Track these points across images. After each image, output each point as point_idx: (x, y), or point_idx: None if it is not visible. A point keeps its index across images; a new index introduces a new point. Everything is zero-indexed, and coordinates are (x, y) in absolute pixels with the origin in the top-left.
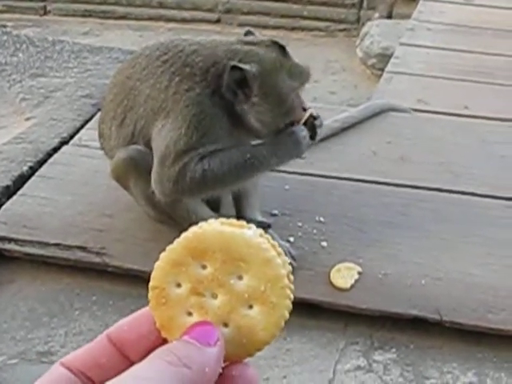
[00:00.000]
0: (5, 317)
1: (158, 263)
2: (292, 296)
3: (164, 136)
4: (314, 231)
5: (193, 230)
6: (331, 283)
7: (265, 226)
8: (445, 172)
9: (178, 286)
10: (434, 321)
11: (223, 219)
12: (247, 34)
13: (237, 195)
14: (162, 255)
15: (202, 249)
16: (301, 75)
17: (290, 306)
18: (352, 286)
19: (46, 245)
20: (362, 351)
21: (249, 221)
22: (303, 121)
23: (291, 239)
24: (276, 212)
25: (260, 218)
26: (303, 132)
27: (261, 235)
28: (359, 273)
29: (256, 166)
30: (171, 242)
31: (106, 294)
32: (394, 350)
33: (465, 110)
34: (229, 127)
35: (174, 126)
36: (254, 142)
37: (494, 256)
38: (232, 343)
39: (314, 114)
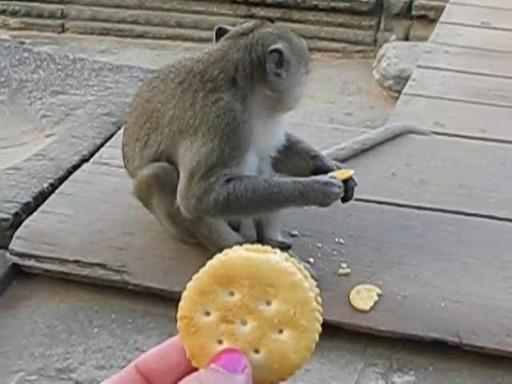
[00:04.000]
0: (23, 333)
1: (185, 293)
2: (321, 318)
3: (195, 151)
4: (334, 252)
5: (218, 257)
6: (351, 305)
7: (285, 247)
8: (464, 195)
9: (207, 314)
10: (454, 344)
11: (248, 245)
12: (218, 30)
13: None
14: (189, 285)
15: (228, 276)
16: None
17: (320, 328)
18: (371, 308)
19: (66, 262)
20: (380, 373)
21: (269, 241)
22: (343, 178)
23: (311, 260)
24: (296, 232)
25: (280, 239)
26: (338, 188)
27: (286, 259)
28: (379, 294)
29: (280, 201)
30: (191, 261)
31: (125, 312)
32: (412, 372)
33: (482, 133)
34: (260, 134)
35: (206, 139)
36: (284, 177)
37: None
38: (264, 369)
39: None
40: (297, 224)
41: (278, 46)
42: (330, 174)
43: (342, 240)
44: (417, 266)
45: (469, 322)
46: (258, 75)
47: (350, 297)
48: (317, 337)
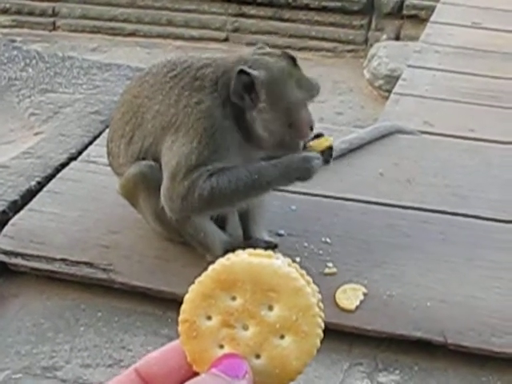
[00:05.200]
0: (10, 331)
1: (187, 296)
2: (323, 325)
3: (175, 151)
4: (320, 252)
5: (221, 261)
6: (337, 304)
7: (271, 246)
8: (451, 195)
9: (209, 318)
10: (439, 343)
11: (251, 250)
12: (260, 48)
13: (244, 214)
14: (191, 288)
15: (231, 280)
16: (310, 87)
17: (322, 334)
18: (357, 307)
19: (53, 260)
20: (366, 372)
21: (255, 240)
22: (321, 148)
23: (297, 259)
24: (282, 232)
25: (267, 238)
26: (317, 160)
27: (289, 264)
28: (364, 294)
29: (264, 186)
30: (178, 260)
31: (111, 311)
32: (398, 371)
33: (470, 133)
34: (239, 140)
35: (186, 140)
36: (264, 161)
37: (499, 279)
38: (265, 374)
39: (333, 145)
40: (284, 224)
41: (253, 72)
42: (307, 148)
43: (328, 239)
44: (402, 266)
45: (454, 321)
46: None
47: (336, 296)
48: (318, 342)
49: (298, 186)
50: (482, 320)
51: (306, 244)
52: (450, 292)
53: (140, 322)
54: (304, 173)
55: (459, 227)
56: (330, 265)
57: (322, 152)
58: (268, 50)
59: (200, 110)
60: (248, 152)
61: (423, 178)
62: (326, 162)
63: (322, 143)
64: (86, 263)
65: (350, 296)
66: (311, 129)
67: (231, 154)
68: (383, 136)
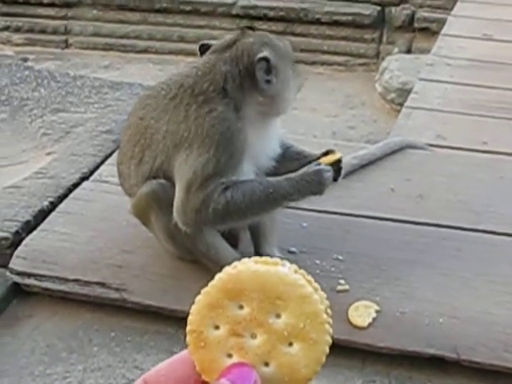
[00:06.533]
0: (23, 352)
1: (194, 307)
2: (331, 331)
3: (191, 164)
4: (332, 269)
5: (227, 270)
6: (349, 321)
7: None
8: (464, 210)
9: (216, 328)
10: (452, 360)
11: (257, 257)
12: (202, 46)
13: (255, 232)
14: (198, 298)
15: (237, 289)
16: (282, 38)
17: (330, 341)
18: (370, 325)
19: (66, 280)
20: None
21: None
22: (331, 162)
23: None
24: (294, 249)
25: (278, 255)
26: (329, 173)
27: (296, 271)
28: (377, 311)
29: (278, 200)
30: (190, 279)
31: (124, 330)
32: None
33: (484, 146)
34: (255, 141)
35: (202, 150)
36: (276, 177)
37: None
38: (274, 382)
39: (341, 158)
40: (295, 241)
41: (265, 53)
42: (317, 162)
43: (340, 257)
44: (415, 282)
45: (467, 337)
46: (249, 84)
47: (349, 313)
48: (327, 349)
49: (309, 203)
50: (494, 336)
51: (317, 261)
52: (462, 308)
53: (153, 341)
54: (317, 186)
55: (472, 243)
56: (342, 282)
57: (332, 165)
58: (222, 40)
59: (214, 117)
60: (259, 156)
61: (435, 194)
62: (334, 179)
63: (330, 158)
64: (98, 283)
65: (362, 313)
66: (331, 151)
67: (245, 159)
68: (394, 151)
